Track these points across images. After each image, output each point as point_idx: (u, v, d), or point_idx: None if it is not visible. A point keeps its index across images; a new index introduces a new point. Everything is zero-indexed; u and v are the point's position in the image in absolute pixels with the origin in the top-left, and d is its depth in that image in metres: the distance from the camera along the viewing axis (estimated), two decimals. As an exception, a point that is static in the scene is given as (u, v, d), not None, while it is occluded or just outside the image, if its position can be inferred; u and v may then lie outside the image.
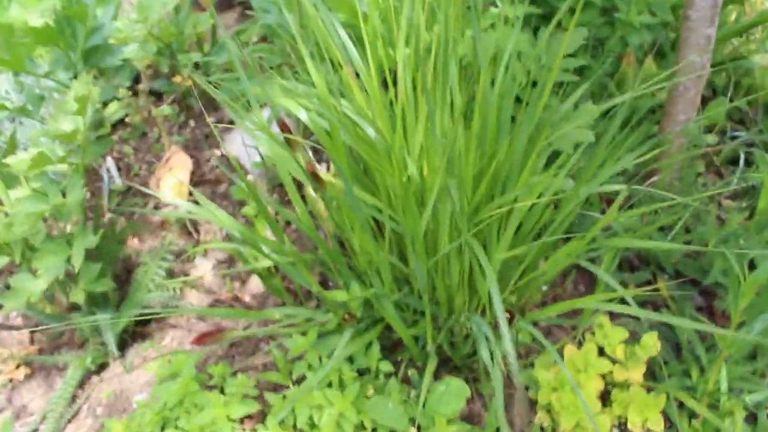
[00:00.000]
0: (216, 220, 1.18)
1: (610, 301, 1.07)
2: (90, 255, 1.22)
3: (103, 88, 1.91)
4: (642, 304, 1.47)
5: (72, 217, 1.09)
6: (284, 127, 1.04)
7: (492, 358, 1.05)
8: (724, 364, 1.16)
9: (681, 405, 1.21)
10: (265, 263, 1.31)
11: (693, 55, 1.45)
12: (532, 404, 1.28)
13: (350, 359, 1.18)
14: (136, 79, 2.07)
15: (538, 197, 1.14)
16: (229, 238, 1.75)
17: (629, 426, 1.19)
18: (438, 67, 1.11)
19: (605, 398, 1.22)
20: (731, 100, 1.89)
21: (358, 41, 1.28)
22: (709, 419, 1.13)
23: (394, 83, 1.21)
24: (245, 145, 1.31)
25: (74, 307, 1.30)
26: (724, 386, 1.13)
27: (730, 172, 1.73)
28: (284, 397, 1.15)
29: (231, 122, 2.17)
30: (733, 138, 1.80)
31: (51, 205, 1.04)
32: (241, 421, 1.17)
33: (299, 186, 1.31)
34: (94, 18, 1.17)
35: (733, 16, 1.84)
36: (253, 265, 1.34)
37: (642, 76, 1.81)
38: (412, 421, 1.11)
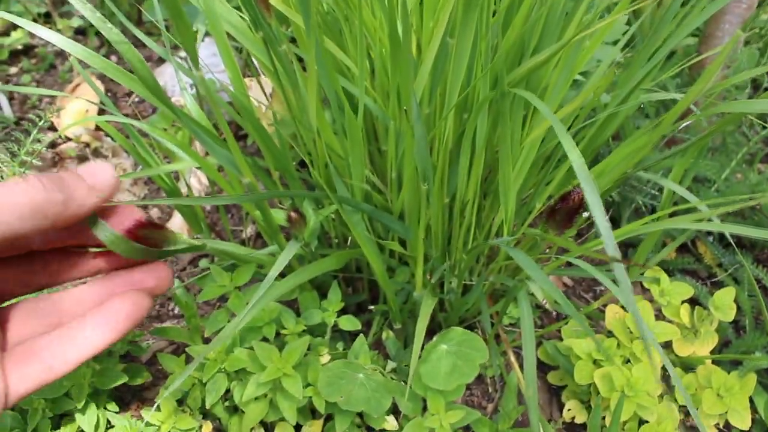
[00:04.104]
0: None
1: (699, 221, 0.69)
2: None
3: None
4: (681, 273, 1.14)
5: None
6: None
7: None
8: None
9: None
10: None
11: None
12: (552, 392, 0.90)
13: (297, 311, 0.78)
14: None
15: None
16: (143, 180, 1.34)
17: (700, 419, 0.82)
18: None
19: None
20: None
21: None
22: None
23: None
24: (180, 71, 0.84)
25: None
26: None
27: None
28: (186, 359, 0.73)
29: (161, 59, 1.77)
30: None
31: None
32: (120, 398, 0.75)
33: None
34: None
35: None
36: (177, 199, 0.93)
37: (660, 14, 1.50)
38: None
